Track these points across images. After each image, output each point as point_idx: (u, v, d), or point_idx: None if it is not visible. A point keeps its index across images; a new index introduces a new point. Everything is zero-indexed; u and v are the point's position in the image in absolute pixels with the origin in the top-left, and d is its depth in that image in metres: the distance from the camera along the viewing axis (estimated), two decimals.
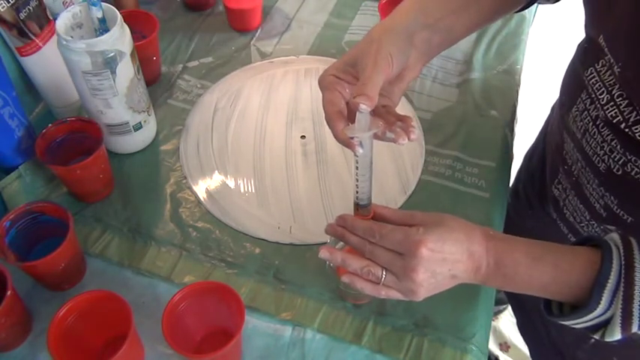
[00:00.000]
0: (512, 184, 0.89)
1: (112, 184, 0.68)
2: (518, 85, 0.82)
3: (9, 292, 0.50)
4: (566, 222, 0.67)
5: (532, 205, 0.79)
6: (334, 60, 0.83)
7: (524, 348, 1.35)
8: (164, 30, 0.78)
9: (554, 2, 0.66)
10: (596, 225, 0.61)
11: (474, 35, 0.87)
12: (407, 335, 0.57)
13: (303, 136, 0.73)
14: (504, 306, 1.38)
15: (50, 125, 0.63)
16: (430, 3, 0.54)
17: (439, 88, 0.80)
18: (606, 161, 0.55)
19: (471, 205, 0.67)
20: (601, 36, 0.52)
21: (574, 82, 0.61)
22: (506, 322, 1.40)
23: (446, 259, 0.48)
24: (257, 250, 0.63)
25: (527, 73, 0.88)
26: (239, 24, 0.86)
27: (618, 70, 0.50)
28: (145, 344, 0.55)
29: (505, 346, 1.37)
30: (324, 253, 0.51)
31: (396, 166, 0.71)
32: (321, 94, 0.51)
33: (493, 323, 1.38)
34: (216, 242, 0.64)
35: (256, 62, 0.83)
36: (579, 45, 0.62)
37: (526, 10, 0.91)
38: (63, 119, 0.64)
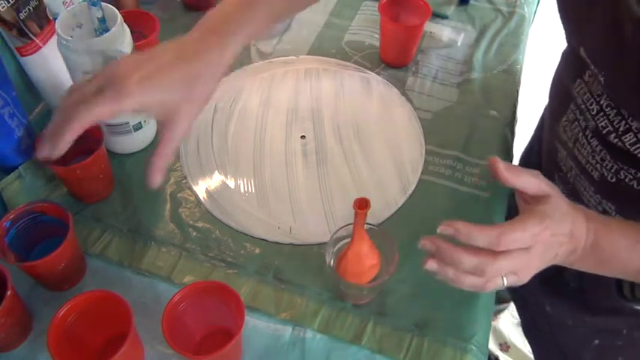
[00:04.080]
0: None
1: (112, 185, 0.67)
2: (518, 85, 0.82)
3: (9, 292, 0.50)
4: None
5: None
6: (334, 60, 0.83)
7: (524, 348, 1.35)
8: (164, 30, 0.78)
9: None
10: None
11: (474, 35, 0.88)
12: (407, 335, 0.57)
13: (303, 136, 0.73)
14: (504, 305, 1.38)
15: None
16: None
17: (439, 88, 0.80)
18: (599, 169, 0.55)
19: (471, 205, 0.67)
20: (581, 48, 0.52)
21: (562, 93, 0.60)
22: (506, 322, 1.40)
23: (557, 240, 0.46)
24: (257, 250, 0.63)
25: (527, 73, 0.89)
26: None
27: (602, 78, 0.50)
28: (145, 344, 0.55)
29: (505, 346, 1.37)
30: (431, 265, 0.47)
31: (396, 166, 0.71)
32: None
33: (493, 323, 1.38)
34: (216, 242, 0.64)
35: (256, 62, 0.83)
36: (563, 54, 0.62)
37: (526, 10, 0.92)
38: None
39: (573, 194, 0.62)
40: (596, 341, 0.68)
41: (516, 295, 0.90)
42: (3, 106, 0.62)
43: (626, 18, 0.44)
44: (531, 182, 0.47)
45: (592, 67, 0.51)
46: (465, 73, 0.82)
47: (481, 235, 0.44)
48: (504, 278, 0.45)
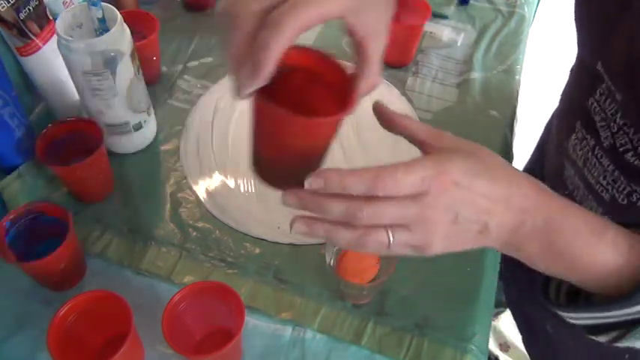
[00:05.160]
0: None
1: (112, 184, 0.68)
2: (519, 85, 0.82)
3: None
4: None
5: None
6: None
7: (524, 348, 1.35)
8: (164, 30, 0.78)
9: None
10: None
11: (474, 35, 0.88)
12: (407, 335, 0.57)
13: None
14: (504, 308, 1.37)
15: (50, 125, 0.63)
16: None
17: (439, 88, 0.80)
18: (610, 191, 0.52)
19: None
20: (599, 63, 0.49)
21: (571, 109, 0.58)
22: (506, 322, 1.40)
23: (476, 201, 0.36)
24: (257, 250, 0.63)
25: (527, 73, 0.89)
26: None
27: (620, 97, 0.47)
28: (145, 344, 0.55)
29: (505, 346, 1.37)
30: (299, 226, 0.39)
31: None
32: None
33: (493, 323, 1.38)
34: (216, 242, 0.64)
35: None
36: (572, 70, 0.60)
37: (526, 10, 0.92)
38: (63, 119, 0.64)
39: None
40: (627, 356, 0.66)
41: (517, 312, 0.88)
42: (3, 106, 0.62)
43: None
44: (415, 126, 0.40)
45: (609, 82, 0.49)
46: (465, 73, 0.82)
47: (356, 179, 0.35)
48: (390, 233, 0.36)
